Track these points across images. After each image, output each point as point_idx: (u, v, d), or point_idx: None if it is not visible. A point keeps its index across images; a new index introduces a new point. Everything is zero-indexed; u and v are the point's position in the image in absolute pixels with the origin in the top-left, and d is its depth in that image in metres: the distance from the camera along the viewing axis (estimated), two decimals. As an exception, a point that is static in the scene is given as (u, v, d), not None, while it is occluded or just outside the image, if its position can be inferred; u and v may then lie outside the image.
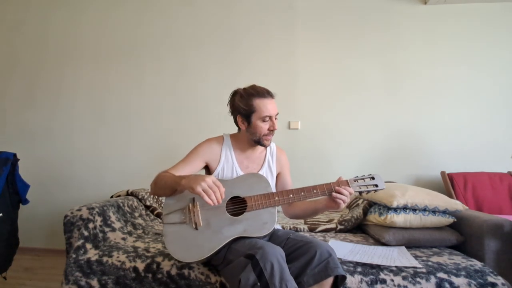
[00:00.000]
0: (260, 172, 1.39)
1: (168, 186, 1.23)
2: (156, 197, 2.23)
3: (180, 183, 1.16)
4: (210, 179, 1.11)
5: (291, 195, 1.26)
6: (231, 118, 1.40)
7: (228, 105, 1.39)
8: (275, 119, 1.32)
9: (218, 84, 2.62)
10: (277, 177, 1.47)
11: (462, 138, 2.42)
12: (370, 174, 1.29)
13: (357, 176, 1.29)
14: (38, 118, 2.72)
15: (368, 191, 1.27)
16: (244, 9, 2.64)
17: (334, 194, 1.23)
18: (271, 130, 1.32)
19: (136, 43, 2.70)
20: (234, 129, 1.44)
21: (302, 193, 1.26)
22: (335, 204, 1.23)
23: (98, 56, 2.72)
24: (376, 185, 1.27)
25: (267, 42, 2.60)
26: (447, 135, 2.44)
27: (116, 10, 2.73)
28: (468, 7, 2.46)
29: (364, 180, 1.28)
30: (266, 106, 1.29)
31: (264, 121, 1.30)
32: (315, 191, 1.26)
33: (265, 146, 1.36)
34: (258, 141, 1.33)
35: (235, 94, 1.36)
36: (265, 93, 1.30)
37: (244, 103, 1.30)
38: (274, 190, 1.39)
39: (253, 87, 1.33)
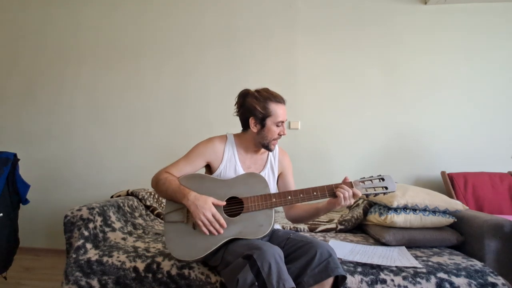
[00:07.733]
0: (262, 174, 1.37)
1: (169, 196, 1.27)
2: (157, 197, 2.23)
3: (182, 202, 1.22)
4: (210, 212, 1.18)
5: (289, 197, 1.23)
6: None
7: (236, 105, 1.36)
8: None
9: (218, 84, 2.62)
10: (278, 177, 1.45)
11: (462, 138, 2.42)
12: (380, 175, 1.20)
13: (364, 177, 1.20)
14: (38, 118, 2.72)
15: (376, 194, 1.17)
16: (244, 9, 2.64)
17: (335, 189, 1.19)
18: (280, 135, 1.33)
19: (136, 43, 2.70)
20: (236, 129, 1.43)
21: (301, 195, 1.22)
22: (336, 200, 1.17)
23: (98, 56, 2.71)
24: (386, 187, 1.16)
25: (267, 42, 2.60)
26: (447, 135, 2.43)
27: (117, 10, 2.73)
28: (468, 7, 2.46)
29: (372, 182, 1.18)
30: (281, 111, 1.30)
31: (278, 126, 1.30)
32: (315, 193, 1.21)
33: (271, 151, 1.36)
34: (267, 145, 1.33)
35: (246, 95, 1.33)
36: (281, 99, 1.31)
37: (261, 106, 1.28)
38: (273, 191, 1.35)
39: (267, 90, 1.32)
